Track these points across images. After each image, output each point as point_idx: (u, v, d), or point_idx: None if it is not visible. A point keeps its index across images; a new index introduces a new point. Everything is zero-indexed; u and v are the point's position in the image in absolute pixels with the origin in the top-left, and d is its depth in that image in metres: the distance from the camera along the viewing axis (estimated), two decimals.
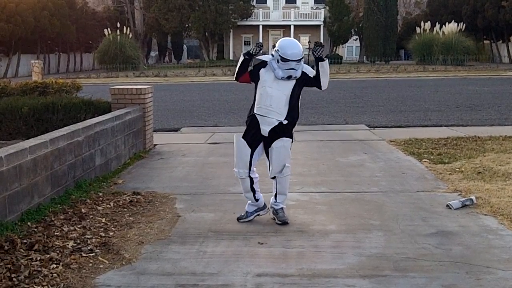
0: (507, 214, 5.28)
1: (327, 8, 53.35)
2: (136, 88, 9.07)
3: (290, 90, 5.05)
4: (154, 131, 9.96)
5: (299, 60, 4.99)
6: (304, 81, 5.13)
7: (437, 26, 44.46)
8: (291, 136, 5.19)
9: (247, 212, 5.31)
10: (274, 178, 5.23)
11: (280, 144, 5.10)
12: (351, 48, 69.39)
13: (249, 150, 5.14)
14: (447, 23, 44.32)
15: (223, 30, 52.07)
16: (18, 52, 41.89)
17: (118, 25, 43.76)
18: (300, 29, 54.55)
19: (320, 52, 5.10)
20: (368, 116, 13.79)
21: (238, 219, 5.27)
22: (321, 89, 5.28)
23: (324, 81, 5.18)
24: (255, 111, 5.11)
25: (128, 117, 8.32)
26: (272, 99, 5.01)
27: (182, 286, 3.85)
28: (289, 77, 5.01)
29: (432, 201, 5.86)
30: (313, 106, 16.40)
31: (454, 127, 11.48)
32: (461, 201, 5.63)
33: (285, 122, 5.06)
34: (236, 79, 5.29)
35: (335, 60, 49.67)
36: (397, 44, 52.41)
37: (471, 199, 5.67)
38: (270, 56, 5.12)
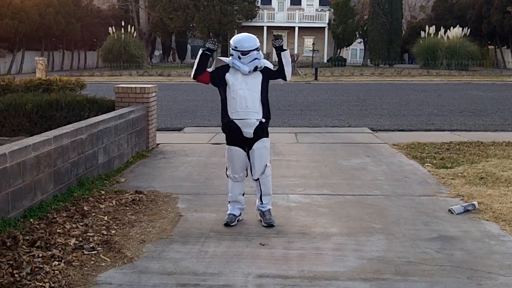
0: (509, 220, 5.27)
1: (332, 10, 53.38)
2: (140, 87, 9.08)
3: (259, 86, 5.05)
4: (157, 130, 9.98)
5: (257, 49, 5.02)
6: (268, 75, 5.13)
7: (442, 30, 44.44)
8: (268, 135, 5.22)
9: (234, 215, 5.25)
10: (257, 180, 5.22)
11: (261, 145, 5.12)
12: (355, 51, 69.37)
13: (244, 153, 5.16)
14: (451, 28, 44.31)
15: (228, 31, 52.06)
16: (22, 48, 42.01)
17: (123, 23, 43.89)
18: (305, 31, 54.55)
19: (279, 42, 5.16)
20: (371, 120, 13.78)
21: (227, 224, 5.15)
22: (285, 79, 5.26)
23: (288, 71, 5.19)
24: (231, 117, 5.04)
25: (131, 116, 8.34)
26: (247, 100, 4.98)
27: (183, 285, 3.85)
28: (255, 68, 5.00)
29: (434, 205, 5.86)
30: (316, 108, 16.40)
31: (457, 132, 11.47)
32: (463, 206, 5.62)
33: (264, 120, 5.08)
34: (194, 77, 5.16)
35: (339, 62, 49.73)
36: (401, 47, 52.41)
37: (473, 204, 5.67)
38: (229, 58, 5.09)
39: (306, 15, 55.21)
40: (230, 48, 5.07)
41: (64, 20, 43.17)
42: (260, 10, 53.52)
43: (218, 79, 5.09)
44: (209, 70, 5.15)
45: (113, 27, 44.00)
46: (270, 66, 5.18)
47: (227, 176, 5.32)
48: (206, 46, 5.11)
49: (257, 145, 5.10)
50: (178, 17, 50.07)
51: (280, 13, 55.68)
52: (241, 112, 5.00)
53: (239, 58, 4.98)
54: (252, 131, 5.04)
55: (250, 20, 52.97)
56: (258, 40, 5.09)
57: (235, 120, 5.04)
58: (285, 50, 5.16)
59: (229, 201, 5.33)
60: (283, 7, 56.64)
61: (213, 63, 5.18)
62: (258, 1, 53.80)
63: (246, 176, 5.30)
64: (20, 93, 9.42)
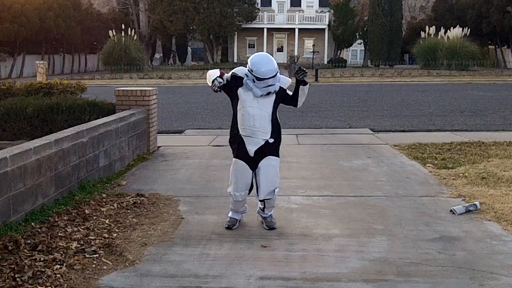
0: (511, 220, 5.26)
1: (332, 11, 53.36)
2: (141, 90, 9.09)
3: (271, 107, 4.91)
4: (158, 133, 9.97)
5: (274, 76, 4.80)
6: (282, 97, 4.99)
7: (442, 30, 44.45)
8: (278, 155, 5.06)
9: (235, 219, 5.20)
10: (262, 200, 5.05)
11: (267, 163, 4.94)
12: (355, 52, 69.37)
13: (251, 172, 4.99)
14: (451, 28, 44.31)
15: (228, 33, 52.11)
16: (23, 52, 42.05)
17: (123, 26, 43.89)
18: (305, 32, 54.53)
19: (303, 76, 4.92)
20: (372, 120, 13.78)
21: (229, 228, 5.11)
22: (296, 107, 5.15)
23: (301, 102, 5.07)
24: (240, 132, 4.93)
25: (132, 119, 8.34)
26: (255, 119, 4.84)
27: None
28: (268, 93, 4.86)
29: (436, 206, 5.85)
30: (317, 110, 16.40)
31: (458, 132, 11.46)
32: (465, 207, 5.62)
33: (271, 140, 4.92)
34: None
35: (339, 63, 49.74)
36: (401, 48, 52.43)
37: (475, 205, 5.66)
38: (244, 72, 4.91)
39: (306, 17, 55.17)
40: (247, 66, 4.87)
41: (64, 24, 43.21)
42: (260, 12, 53.51)
43: (231, 92, 4.99)
44: (224, 81, 4.97)
45: (113, 30, 44.01)
46: (287, 84, 5.03)
47: (228, 191, 5.14)
48: (213, 86, 4.92)
49: (263, 163, 4.93)
50: (178, 19, 50.08)
51: (280, 15, 55.65)
52: (248, 129, 4.88)
53: (254, 81, 4.80)
54: (254, 150, 4.89)
55: (250, 22, 52.95)
56: (276, 65, 4.84)
57: (242, 136, 4.93)
58: (306, 84, 4.98)
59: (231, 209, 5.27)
60: (283, 9, 56.62)
61: (229, 74, 5.04)
62: (258, 3, 53.81)
63: (249, 194, 5.17)
64: (21, 97, 9.43)
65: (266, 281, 3.94)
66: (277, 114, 5.06)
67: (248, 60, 4.90)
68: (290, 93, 5.07)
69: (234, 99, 4.99)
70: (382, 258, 4.37)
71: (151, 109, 9.16)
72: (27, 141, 5.90)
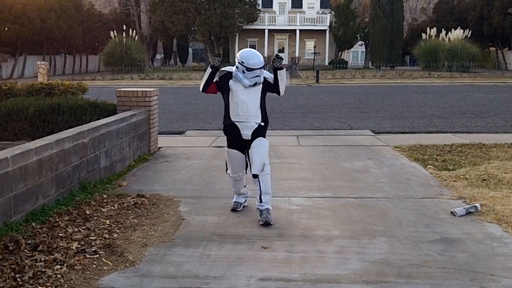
0: (511, 222, 5.26)
1: (333, 13, 53.39)
2: (142, 91, 9.10)
3: (259, 94, 5.52)
4: (158, 133, 9.98)
5: (261, 68, 5.45)
6: (268, 87, 5.58)
7: (443, 32, 44.43)
8: (265, 137, 5.59)
9: (239, 202, 5.82)
10: (256, 177, 5.42)
11: (259, 143, 5.47)
12: (356, 53, 69.42)
13: (243, 155, 5.61)
14: (453, 30, 44.29)
15: (229, 34, 52.16)
16: (24, 53, 42.09)
17: (124, 27, 43.94)
18: (306, 33, 54.60)
19: (279, 63, 5.53)
20: (373, 122, 13.78)
21: (234, 210, 5.74)
22: (279, 94, 5.68)
23: (282, 87, 5.61)
24: (233, 119, 5.50)
25: (133, 120, 8.34)
26: (247, 105, 5.44)
27: None
28: (255, 84, 5.44)
29: (437, 207, 5.85)
30: (318, 111, 16.40)
31: (459, 134, 11.46)
32: (466, 208, 5.62)
33: (262, 123, 5.52)
34: (203, 91, 5.68)
35: (341, 65, 49.75)
36: (402, 50, 52.44)
37: (476, 206, 5.66)
38: (234, 68, 5.53)
39: (307, 18, 55.20)
40: (236, 60, 5.50)
41: (66, 24, 43.27)
42: (261, 13, 53.54)
43: (223, 86, 5.58)
44: (215, 80, 5.64)
45: (115, 31, 44.06)
46: (270, 78, 5.60)
47: (227, 173, 5.81)
48: (212, 63, 5.56)
49: (255, 142, 5.45)
50: (179, 20, 50.14)
51: (281, 16, 55.69)
52: (242, 115, 5.46)
53: (243, 72, 5.41)
54: (250, 133, 5.46)
55: (251, 23, 53.01)
56: (263, 59, 5.51)
57: (235, 122, 5.49)
58: (282, 68, 5.55)
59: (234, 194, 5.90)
60: (284, 10, 56.65)
61: (218, 73, 5.67)
62: (259, 4, 53.83)
63: (246, 173, 5.66)
64: (22, 98, 9.43)
65: (267, 282, 3.94)
66: (265, 103, 5.64)
67: (238, 55, 5.55)
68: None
69: (226, 92, 5.57)
70: (383, 260, 4.37)
71: (152, 110, 9.17)
72: (28, 142, 5.90)
